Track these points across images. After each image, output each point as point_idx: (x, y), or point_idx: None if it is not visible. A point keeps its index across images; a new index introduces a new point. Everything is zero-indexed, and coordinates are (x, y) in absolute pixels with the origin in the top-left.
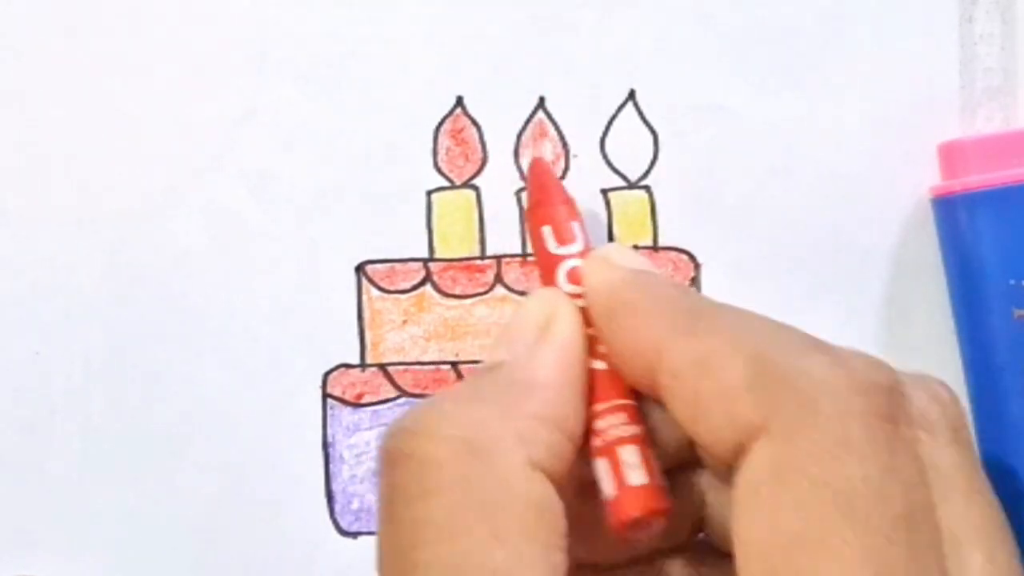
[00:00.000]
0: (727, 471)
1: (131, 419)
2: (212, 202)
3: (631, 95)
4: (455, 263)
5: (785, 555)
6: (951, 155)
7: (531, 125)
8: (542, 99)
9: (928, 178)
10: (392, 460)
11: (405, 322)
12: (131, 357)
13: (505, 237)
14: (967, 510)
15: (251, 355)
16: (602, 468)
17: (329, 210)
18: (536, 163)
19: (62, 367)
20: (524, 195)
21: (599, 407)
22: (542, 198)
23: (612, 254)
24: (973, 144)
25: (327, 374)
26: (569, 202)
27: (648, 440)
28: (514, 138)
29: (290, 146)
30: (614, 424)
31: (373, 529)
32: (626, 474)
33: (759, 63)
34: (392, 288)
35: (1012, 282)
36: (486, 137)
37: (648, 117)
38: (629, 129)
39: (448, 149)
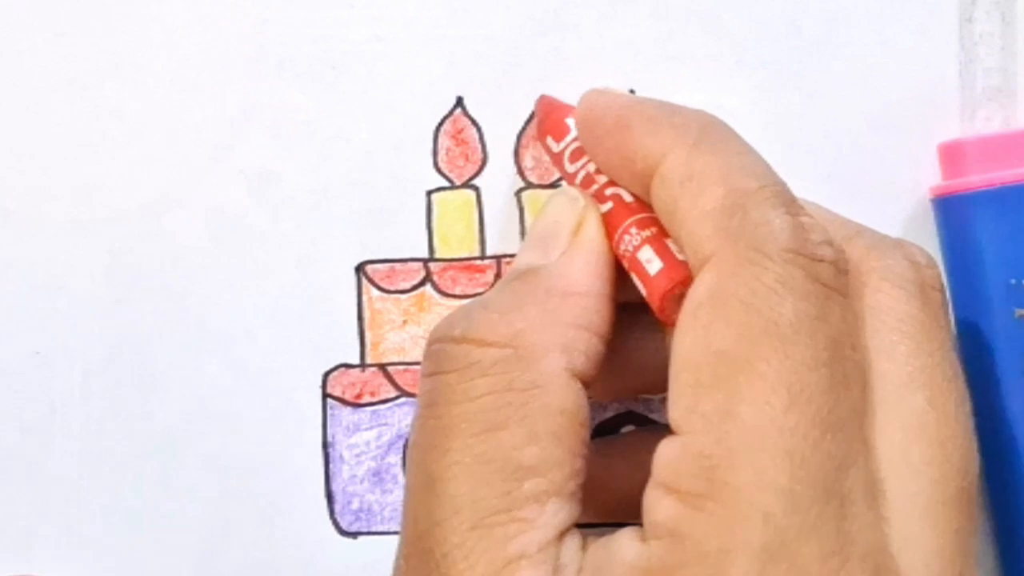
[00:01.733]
0: None
1: (131, 419)
2: (212, 202)
3: (631, 94)
4: (455, 263)
5: (711, 369)
6: (951, 155)
7: (531, 125)
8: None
9: (928, 178)
10: (438, 363)
11: (405, 322)
12: (131, 357)
13: (505, 237)
14: (914, 356)
15: (251, 355)
16: (634, 278)
17: (329, 210)
18: (540, 98)
19: (62, 367)
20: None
21: (616, 236)
22: (543, 118)
23: (609, 88)
24: (973, 144)
25: (327, 374)
26: (563, 106)
27: (661, 235)
28: (514, 138)
29: (290, 146)
30: (627, 241)
31: (373, 529)
32: (647, 269)
33: (759, 63)
34: (392, 288)
35: (1012, 282)
36: (486, 137)
37: None
38: None
39: (448, 149)
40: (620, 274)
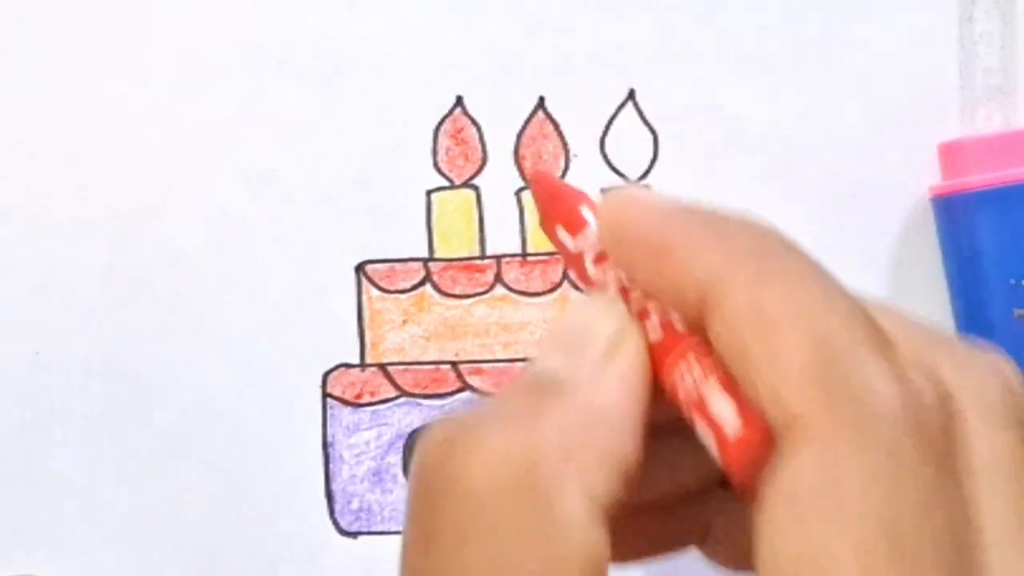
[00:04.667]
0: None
1: (131, 419)
2: (212, 202)
3: (631, 95)
4: (455, 263)
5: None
6: (951, 155)
7: (531, 125)
8: (542, 99)
9: (928, 178)
10: (434, 480)
11: (405, 322)
12: (131, 357)
13: (505, 237)
14: (1020, 500)
15: (251, 355)
16: (697, 422)
17: (329, 210)
18: (536, 176)
19: (62, 367)
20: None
21: (667, 364)
22: (548, 203)
23: (638, 192)
24: (973, 144)
25: (327, 374)
26: (575, 194)
27: (723, 370)
28: (514, 138)
29: (290, 146)
30: (685, 377)
31: (373, 529)
32: (719, 420)
33: (759, 63)
34: (392, 288)
35: (1012, 282)
36: (486, 137)
37: (648, 117)
38: (629, 129)
39: (448, 149)
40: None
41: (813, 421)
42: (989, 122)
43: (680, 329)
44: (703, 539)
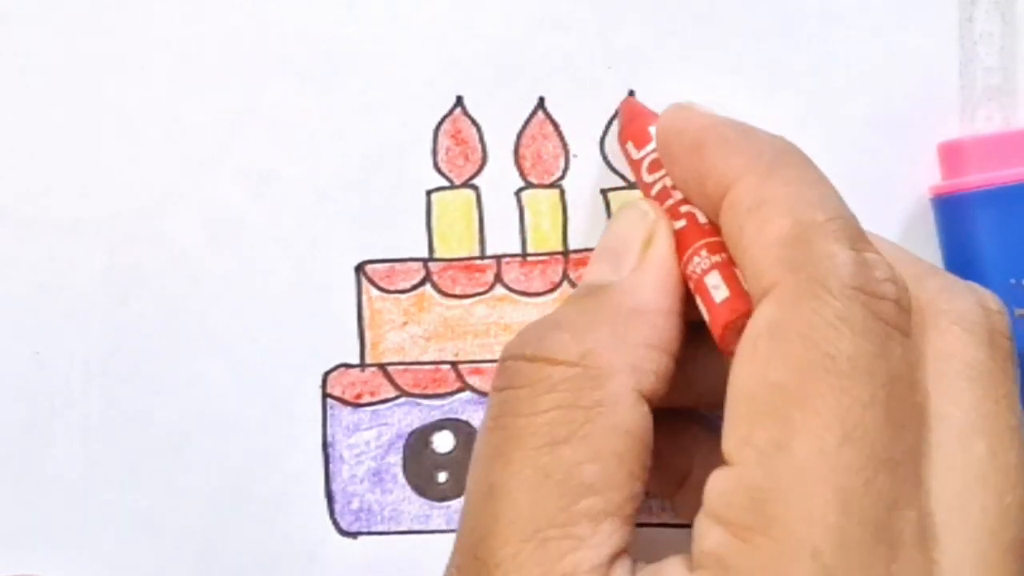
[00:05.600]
0: None
1: (131, 419)
2: (212, 202)
3: (631, 95)
4: (455, 263)
5: (767, 401)
6: (951, 155)
7: (531, 125)
8: (542, 99)
9: (928, 178)
10: (510, 379)
11: (405, 322)
12: (131, 357)
13: (505, 237)
14: (980, 403)
15: (251, 355)
16: (699, 301)
17: (329, 210)
18: (625, 102)
19: (62, 367)
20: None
21: (685, 256)
22: (625, 122)
23: (692, 105)
24: (973, 144)
25: (327, 374)
26: (648, 113)
27: (730, 261)
28: (514, 138)
29: (290, 146)
30: (695, 263)
31: (373, 529)
32: (713, 295)
33: (759, 63)
34: (392, 288)
35: (1012, 282)
36: (486, 137)
37: None
38: None
39: (448, 149)
40: (690, 291)
41: (778, 282)
42: (989, 122)
43: (702, 223)
44: (680, 486)
